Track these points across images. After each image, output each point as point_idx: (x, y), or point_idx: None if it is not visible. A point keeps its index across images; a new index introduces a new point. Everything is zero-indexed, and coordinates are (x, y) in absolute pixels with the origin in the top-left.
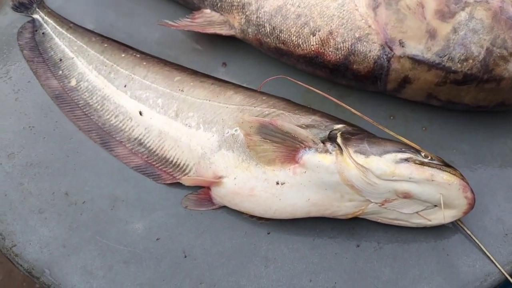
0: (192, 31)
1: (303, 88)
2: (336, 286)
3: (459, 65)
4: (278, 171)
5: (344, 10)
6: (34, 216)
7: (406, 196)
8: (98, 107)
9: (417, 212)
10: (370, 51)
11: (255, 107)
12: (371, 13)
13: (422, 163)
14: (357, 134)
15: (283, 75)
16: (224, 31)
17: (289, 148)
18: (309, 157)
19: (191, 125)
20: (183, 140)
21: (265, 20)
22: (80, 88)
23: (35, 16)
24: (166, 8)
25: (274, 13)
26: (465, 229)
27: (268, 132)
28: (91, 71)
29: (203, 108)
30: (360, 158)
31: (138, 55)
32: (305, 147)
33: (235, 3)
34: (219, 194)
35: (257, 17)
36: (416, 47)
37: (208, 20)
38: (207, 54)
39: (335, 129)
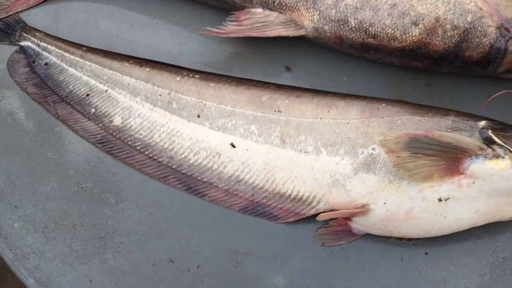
0: (243, 36)
1: (385, 80)
2: None
3: None
4: (438, 187)
5: None
6: None
7: None
8: (166, 146)
9: None
10: (485, 35)
11: (382, 117)
12: None
13: None
14: (507, 129)
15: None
16: (291, 32)
17: (450, 159)
18: (478, 166)
19: (307, 151)
20: (302, 170)
21: (349, 14)
22: (131, 126)
23: (25, 43)
24: (189, 12)
25: (360, 5)
26: None
27: (420, 146)
28: (142, 104)
29: (316, 129)
30: None
31: (197, 76)
32: (470, 156)
33: None
34: (365, 223)
35: (336, 12)
36: None
37: (263, 21)
38: (262, 59)
39: (482, 128)
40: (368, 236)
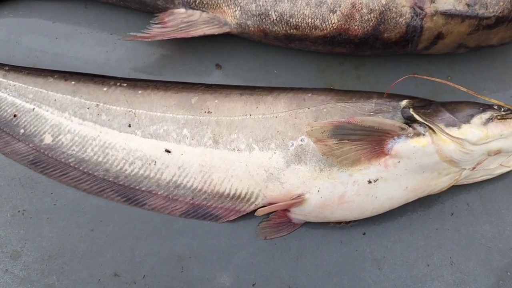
0: (168, 38)
1: (314, 68)
2: (453, 260)
3: (491, 10)
4: (366, 170)
5: None
6: None
7: (497, 153)
8: (100, 159)
9: (500, 164)
10: (400, 15)
11: (308, 108)
12: None
13: (503, 117)
14: (429, 106)
15: (411, 75)
16: (216, 29)
17: (374, 142)
18: (401, 145)
19: (240, 149)
20: (237, 168)
21: (269, 7)
22: (62, 143)
23: None
24: (113, 18)
25: None
26: None
27: (345, 132)
28: (70, 119)
29: (246, 126)
30: (454, 131)
31: (125, 84)
32: (393, 136)
33: None
34: (302, 213)
35: (257, 6)
36: (447, 2)
37: (187, 21)
38: (191, 59)
39: (404, 107)
40: (308, 224)
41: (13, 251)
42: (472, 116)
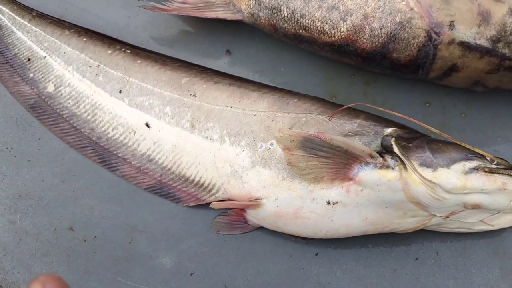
0: (186, 15)
1: (322, 74)
2: None
3: None
4: (327, 190)
5: None
6: (37, 261)
7: (475, 207)
8: (89, 117)
9: (481, 220)
10: (413, 37)
11: (288, 113)
12: None
13: (491, 171)
14: (413, 140)
15: (363, 103)
16: (229, 15)
17: (340, 163)
18: (366, 173)
19: (213, 138)
20: (205, 156)
21: (282, 2)
22: (61, 94)
23: None
24: None
25: None
26: None
27: (313, 147)
28: (72, 74)
29: (224, 117)
30: (427, 173)
31: (129, 51)
32: (360, 162)
33: None
34: (257, 217)
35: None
36: (467, 33)
37: (207, 1)
38: (205, 40)
39: (386, 135)
40: (263, 229)
41: None
42: (454, 161)
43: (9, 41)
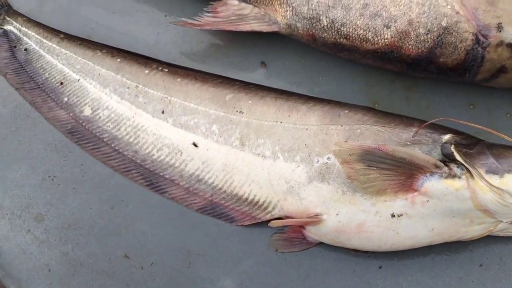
0: (217, 29)
1: (362, 82)
2: None
3: None
4: (391, 202)
5: None
6: None
7: None
8: (131, 140)
9: None
10: (461, 41)
11: (341, 125)
12: None
13: None
14: (472, 146)
15: (445, 118)
16: (265, 27)
17: (404, 175)
18: (432, 184)
19: (265, 155)
20: (259, 174)
21: (321, 12)
22: (99, 118)
23: (8, 27)
24: (169, 0)
25: (332, 3)
26: None
27: (374, 159)
28: (110, 96)
29: (275, 133)
30: (495, 180)
31: (167, 69)
32: (425, 173)
33: None
34: (318, 233)
35: (309, 9)
36: None
37: (239, 14)
38: (238, 53)
39: (445, 142)
40: (322, 245)
41: (37, 214)
42: None
43: (39, 66)
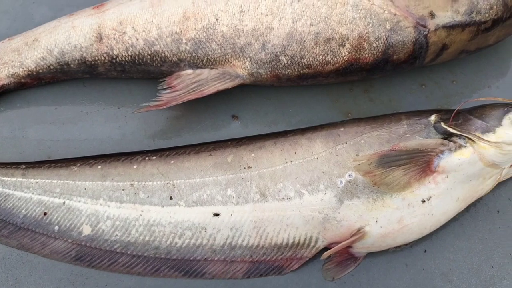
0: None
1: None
2: None
3: (486, 15)
4: (418, 190)
5: (361, 10)
6: None
7: None
8: (147, 238)
9: None
10: (406, 36)
11: (346, 143)
12: (388, 1)
13: None
14: (457, 116)
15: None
16: (229, 83)
17: (420, 162)
18: (446, 161)
19: (290, 197)
20: (291, 216)
21: (278, 53)
22: (103, 231)
23: None
24: (115, 92)
25: (286, 42)
26: None
27: (391, 160)
28: (107, 205)
29: (290, 173)
30: (491, 136)
31: (154, 157)
32: (437, 154)
33: (229, 51)
34: (365, 245)
35: (266, 54)
36: (445, 15)
37: (197, 80)
38: (207, 115)
39: (435, 123)
40: (369, 255)
41: None
42: (501, 118)
43: (9, 206)
